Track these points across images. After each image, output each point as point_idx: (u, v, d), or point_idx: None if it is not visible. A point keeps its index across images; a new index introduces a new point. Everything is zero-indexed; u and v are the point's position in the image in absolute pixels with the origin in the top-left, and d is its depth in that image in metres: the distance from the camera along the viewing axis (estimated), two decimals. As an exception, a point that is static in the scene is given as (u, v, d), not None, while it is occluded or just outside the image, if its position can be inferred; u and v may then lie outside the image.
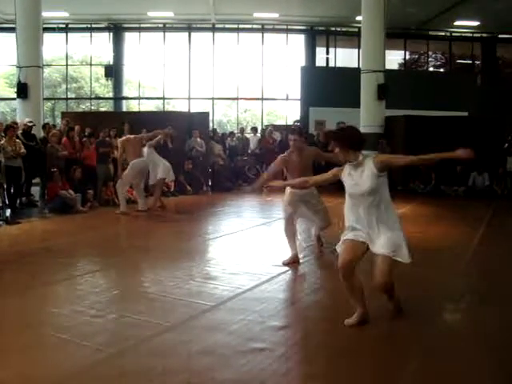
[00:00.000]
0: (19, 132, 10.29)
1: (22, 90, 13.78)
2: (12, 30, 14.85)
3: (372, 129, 14.85)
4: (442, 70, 23.35)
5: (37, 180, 10.83)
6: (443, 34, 21.80)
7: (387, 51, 15.64)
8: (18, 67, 14.07)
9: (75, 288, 4.87)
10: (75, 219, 9.18)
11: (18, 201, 9.91)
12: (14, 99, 15.97)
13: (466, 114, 17.42)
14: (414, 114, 14.95)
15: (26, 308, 4.30)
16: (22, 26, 13.95)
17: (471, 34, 21.86)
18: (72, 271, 5.46)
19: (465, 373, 3.21)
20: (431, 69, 23.12)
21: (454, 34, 21.83)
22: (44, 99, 15.79)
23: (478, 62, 22.92)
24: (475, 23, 20.22)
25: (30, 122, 10.87)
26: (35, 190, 10.84)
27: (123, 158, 9.79)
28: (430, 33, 21.58)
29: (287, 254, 5.92)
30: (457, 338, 3.80)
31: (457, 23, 20.18)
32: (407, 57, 22.55)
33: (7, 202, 9.60)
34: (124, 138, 9.94)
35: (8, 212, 9.33)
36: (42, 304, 4.48)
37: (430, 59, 23.00)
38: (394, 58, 21.68)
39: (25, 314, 4.17)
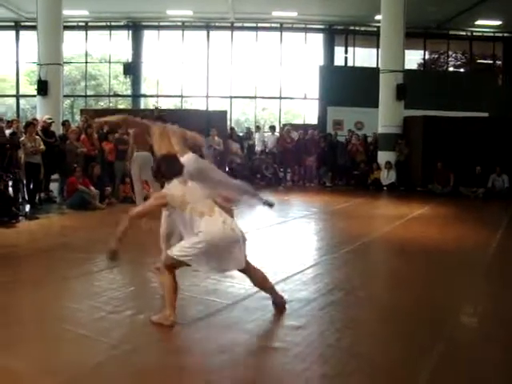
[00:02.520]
0: (38, 129, 10.41)
1: (42, 87, 13.95)
2: (33, 28, 15.04)
3: (390, 129, 14.76)
4: (462, 69, 23.08)
5: (55, 176, 10.95)
6: (464, 33, 21.55)
7: (406, 51, 15.51)
8: (38, 65, 14.25)
9: (92, 284, 4.91)
10: (93, 215, 9.25)
11: (37, 196, 10.01)
12: (34, 96, 16.16)
13: (486, 114, 17.21)
14: (433, 114, 14.82)
15: (44, 302, 4.34)
16: (43, 24, 14.11)
17: (493, 34, 21.58)
18: (89, 267, 5.51)
19: (484, 376, 3.17)
20: (451, 69, 22.87)
21: (474, 34, 21.56)
22: (63, 96, 15.94)
23: (499, 62, 22.62)
24: (497, 22, 19.97)
25: (49, 118, 10.99)
26: (54, 186, 10.96)
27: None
28: (451, 32, 21.34)
29: (302, 254, 5.86)
30: (475, 340, 3.76)
31: (478, 22, 19.93)
32: (427, 56, 22.35)
33: (26, 198, 9.73)
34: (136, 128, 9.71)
35: (27, 207, 9.45)
36: (59, 299, 4.52)
37: (450, 59, 22.75)
38: (414, 58, 21.48)
39: (43, 308, 4.21)
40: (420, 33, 20.24)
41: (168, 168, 4.09)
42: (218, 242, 3.75)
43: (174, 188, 3.97)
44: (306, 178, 15.34)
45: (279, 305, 4.19)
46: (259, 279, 4.18)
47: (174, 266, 3.88)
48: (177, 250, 3.84)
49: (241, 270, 4.11)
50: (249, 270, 4.10)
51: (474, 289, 5.11)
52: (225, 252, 3.81)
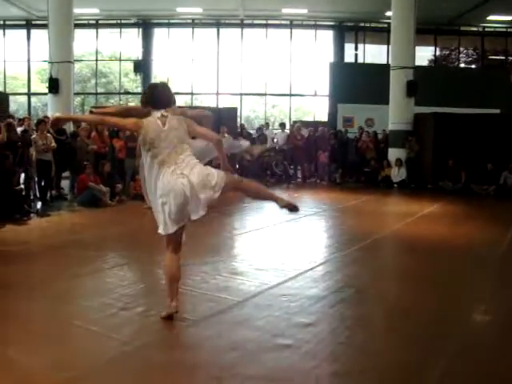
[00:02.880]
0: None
1: (54, 85, 14.04)
2: (44, 26, 15.13)
3: (401, 126, 14.70)
4: (473, 66, 22.89)
5: (67, 173, 11.02)
6: (475, 29, 21.38)
7: (417, 47, 15.42)
8: (49, 63, 14.33)
9: (104, 281, 4.93)
10: (104, 213, 9.30)
11: (49, 194, 10.09)
12: (45, 94, 16.26)
13: (497, 111, 17.07)
14: (444, 111, 14.72)
15: (56, 299, 4.37)
16: (54, 23, 14.21)
17: (505, 29, 21.38)
18: (100, 264, 5.53)
19: (496, 377, 3.15)
20: (462, 65, 22.69)
21: (486, 29, 21.38)
22: (74, 94, 16.03)
23: (511, 58, 22.41)
24: (509, 18, 19.79)
25: (61, 116, 11.04)
26: (65, 184, 11.03)
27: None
28: (462, 28, 21.19)
29: (312, 252, 5.84)
30: (486, 339, 3.74)
31: (490, 18, 19.75)
32: (438, 53, 22.19)
33: (38, 195, 9.80)
34: None
35: (39, 204, 9.52)
36: (71, 296, 4.55)
37: (461, 55, 22.58)
38: (424, 54, 21.35)
39: (54, 304, 4.23)
40: (431, 29, 20.11)
41: (155, 94, 3.88)
42: (176, 198, 3.61)
43: (151, 122, 3.74)
44: (317, 174, 15.34)
45: (287, 206, 3.91)
46: (253, 191, 3.95)
47: (170, 241, 3.83)
48: (159, 228, 3.80)
49: (233, 189, 3.84)
50: (240, 189, 3.86)
51: (485, 287, 5.07)
52: (187, 204, 3.65)
